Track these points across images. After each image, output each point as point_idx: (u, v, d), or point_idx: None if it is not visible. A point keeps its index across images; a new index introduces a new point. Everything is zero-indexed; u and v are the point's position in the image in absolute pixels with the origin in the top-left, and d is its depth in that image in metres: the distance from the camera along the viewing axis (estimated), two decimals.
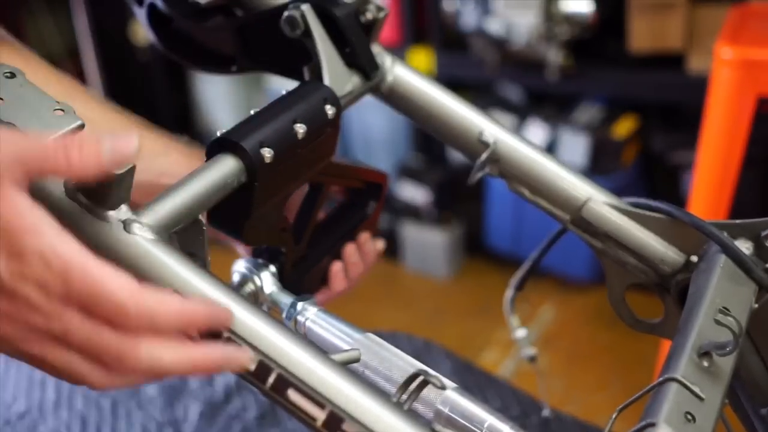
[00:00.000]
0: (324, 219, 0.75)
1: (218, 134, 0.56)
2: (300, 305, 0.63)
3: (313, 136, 0.60)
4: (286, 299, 0.65)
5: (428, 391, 0.52)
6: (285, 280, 0.68)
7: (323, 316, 0.62)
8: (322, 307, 0.64)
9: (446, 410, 0.52)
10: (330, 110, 0.61)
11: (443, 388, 0.51)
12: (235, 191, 0.56)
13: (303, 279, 0.72)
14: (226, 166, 0.55)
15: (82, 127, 0.52)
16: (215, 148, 0.56)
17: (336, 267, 0.74)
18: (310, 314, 0.63)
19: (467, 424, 0.51)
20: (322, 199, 0.71)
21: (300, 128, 0.59)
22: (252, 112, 0.59)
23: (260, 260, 0.67)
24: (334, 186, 0.74)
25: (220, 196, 0.54)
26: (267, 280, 0.67)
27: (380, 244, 0.79)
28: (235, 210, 0.58)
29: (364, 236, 0.76)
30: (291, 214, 0.70)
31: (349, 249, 0.75)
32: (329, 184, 0.71)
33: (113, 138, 0.43)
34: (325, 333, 0.61)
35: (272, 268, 0.67)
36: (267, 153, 0.56)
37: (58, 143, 0.42)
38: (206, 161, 0.56)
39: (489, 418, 0.51)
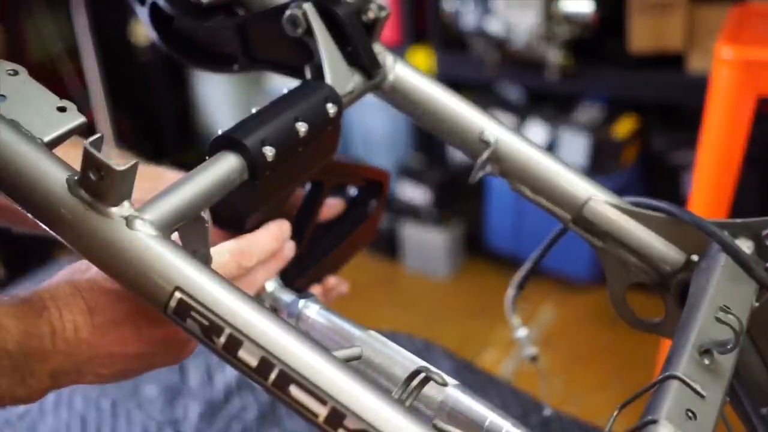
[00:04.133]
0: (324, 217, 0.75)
1: (220, 132, 0.56)
2: (302, 303, 0.64)
3: (315, 135, 0.60)
4: (287, 297, 0.65)
5: (430, 388, 0.52)
6: (285, 278, 0.68)
7: (325, 313, 0.63)
8: (324, 305, 0.64)
9: (448, 407, 0.52)
10: (331, 109, 0.61)
11: (445, 384, 0.51)
12: (237, 189, 0.56)
13: (303, 277, 0.72)
14: (228, 163, 0.55)
15: (84, 124, 0.52)
16: (217, 145, 0.56)
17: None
18: (312, 312, 0.63)
19: (469, 420, 0.51)
20: (323, 198, 0.71)
21: (302, 127, 0.59)
22: (253, 111, 0.59)
23: None
24: (335, 184, 0.74)
25: (222, 194, 0.54)
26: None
27: (344, 288, 0.78)
28: (236, 208, 0.58)
29: (332, 281, 0.76)
30: (292, 213, 0.70)
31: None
32: (330, 183, 0.71)
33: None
34: (326, 331, 0.61)
35: None
36: (269, 151, 0.56)
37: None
38: (208, 158, 0.56)
39: (490, 415, 0.51)
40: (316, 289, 0.73)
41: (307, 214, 0.70)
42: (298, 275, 0.70)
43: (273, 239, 0.63)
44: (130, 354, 0.53)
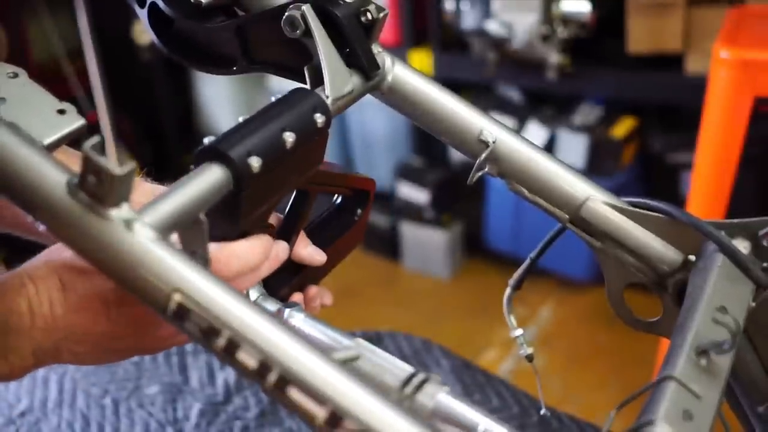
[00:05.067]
0: (310, 226, 0.74)
1: (206, 142, 0.55)
2: (287, 312, 0.64)
3: (302, 145, 0.59)
4: (272, 306, 0.65)
5: (422, 395, 0.52)
6: (269, 287, 0.68)
7: (311, 322, 0.63)
8: (309, 314, 0.64)
9: (441, 413, 0.52)
10: (319, 119, 0.60)
11: (439, 388, 0.51)
12: (222, 199, 0.55)
13: (287, 286, 0.71)
14: (213, 175, 0.54)
15: (84, 127, 0.52)
16: (203, 156, 0.55)
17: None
18: (298, 321, 0.63)
19: (462, 425, 0.51)
20: (308, 207, 0.70)
21: (289, 137, 0.57)
22: (240, 120, 0.58)
23: None
24: (321, 193, 0.73)
25: (208, 204, 0.53)
26: (252, 287, 0.67)
27: (328, 299, 0.77)
28: (222, 218, 0.57)
29: (314, 290, 0.74)
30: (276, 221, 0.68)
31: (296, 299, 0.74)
32: (316, 192, 0.70)
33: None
34: (313, 339, 0.61)
35: None
36: (255, 162, 0.55)
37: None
38: (194, 169, 0.54)
39: (483, 421, 0.51)
40: (296, 299, 0.72)
41: (292, 223, 0.69)
42: (282, 284, 0.69)
43: (253, 255, 0.60)
44: (102, 332, 0.54)
